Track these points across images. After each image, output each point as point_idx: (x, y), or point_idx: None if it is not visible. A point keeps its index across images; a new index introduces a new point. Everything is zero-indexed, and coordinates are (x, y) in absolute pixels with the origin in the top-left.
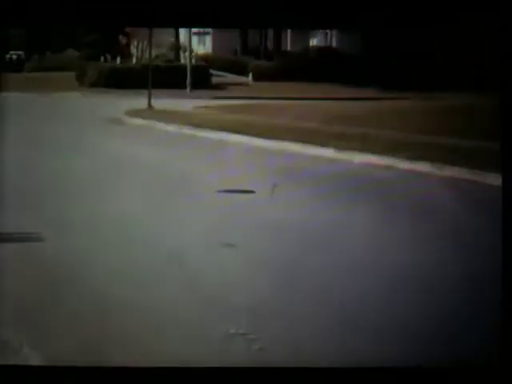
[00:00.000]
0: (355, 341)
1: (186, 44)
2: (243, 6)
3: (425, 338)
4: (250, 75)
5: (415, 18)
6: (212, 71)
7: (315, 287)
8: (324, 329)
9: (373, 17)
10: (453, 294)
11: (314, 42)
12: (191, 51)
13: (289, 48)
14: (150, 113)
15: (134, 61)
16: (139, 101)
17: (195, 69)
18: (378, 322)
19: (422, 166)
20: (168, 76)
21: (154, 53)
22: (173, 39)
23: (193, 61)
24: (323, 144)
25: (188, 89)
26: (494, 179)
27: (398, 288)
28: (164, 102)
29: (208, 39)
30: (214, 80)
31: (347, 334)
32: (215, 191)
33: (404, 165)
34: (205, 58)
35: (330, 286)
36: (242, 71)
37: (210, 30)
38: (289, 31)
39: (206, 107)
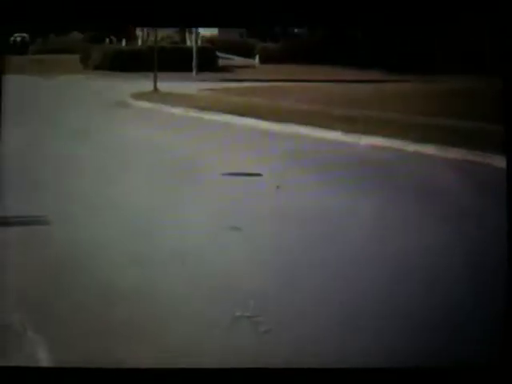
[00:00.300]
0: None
1: None
2: (244, 5)
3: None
4: (257, 57)
5: (415, 18)
6: (218, 53)
7: (320, 264)
8: (324, 303)
9: (373, 16)
10: (456, 281)
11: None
12: (197, 33)
13: (295, 30)
14: (155, 96)
15: (140, 43)
16: (145, 83)
17: (201, 51)
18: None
19: (427, 148)
20: (174, 58)
21: (159, 35)
22: None
23: (199, 43)
24: (330, 126)
25: (194, 71)
26: (498, 161)
27: (400, 276)
28: (170, 84)
29: None
30: (221, 62)
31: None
32: (221, 174)
33: (409, 147)
34: (211, 40)
35: (334, 266)
36: (249, 53)
37: None
38: None
39: (212, 90)
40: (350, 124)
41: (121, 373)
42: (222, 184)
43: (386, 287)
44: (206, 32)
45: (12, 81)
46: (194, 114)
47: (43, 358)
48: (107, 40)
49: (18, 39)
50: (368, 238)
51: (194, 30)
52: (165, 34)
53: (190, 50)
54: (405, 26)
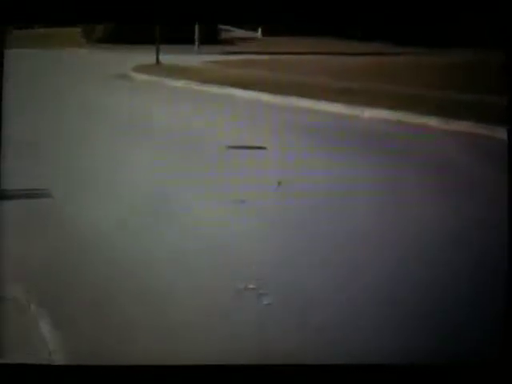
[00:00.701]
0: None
1: None
2: (243, 4)
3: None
4: (260, 30)
5: (416, 17)
6: (220, 26)
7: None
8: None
9: (373, 15)
10: (457, 257)
11: None
12: None
13: None
14: (158, 69)
15: None
16: (147, 56)
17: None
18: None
19: (430, 120)
20: (176, 31)
21: None
22: None
23: None
24: (333, 99)
25: (196, 44)
26: (500, 133)
27: (399, 251)
28: (172, 57)
29: None
30: (223, 35)
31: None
32: (225, 147)
33: (412, 119)
34: None
35: (336, 236)
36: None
37: None
38: None
39: (214, 62)
40: (352, 97)
41: (123, 371)
42: (225, 156)
43: (386, 267)
44: None
45: (14, 55)
46: (196, 86)
47: (46, 332)
48: None
49: None
50: (370, 210)
51: None
52: None
53: None
54: (405, 25)
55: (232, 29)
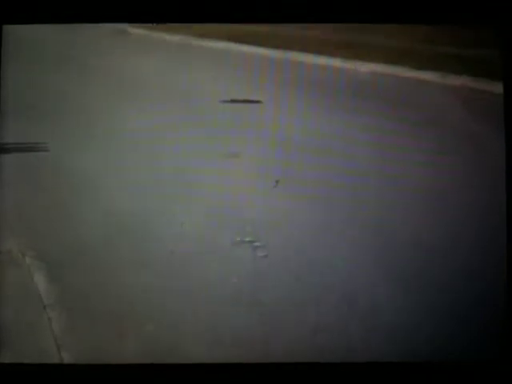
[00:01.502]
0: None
1: None
2: (243, 3)
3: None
4: None
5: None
6: None
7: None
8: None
9: (373, 15)
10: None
11: None
12: None
13: None
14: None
15: None
16: None
17: None
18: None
19: (426, 75)
20: None
21: None
22: None
23: None
24: (330, 53)
25: None
26: (497, 87)
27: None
28: None
29: None
30: None
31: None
32: (219, 101)
33: (409, 73)
34: None
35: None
36: None
37: None
38: None
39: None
40: (350, 50)
41: (123, 370)
42: (220, 110)
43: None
44: None
45: None
46: (193, 41)
47: (39, 281)
48: None
49: None
50: (365, 165)
51: None
52: None
53: None
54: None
55: None
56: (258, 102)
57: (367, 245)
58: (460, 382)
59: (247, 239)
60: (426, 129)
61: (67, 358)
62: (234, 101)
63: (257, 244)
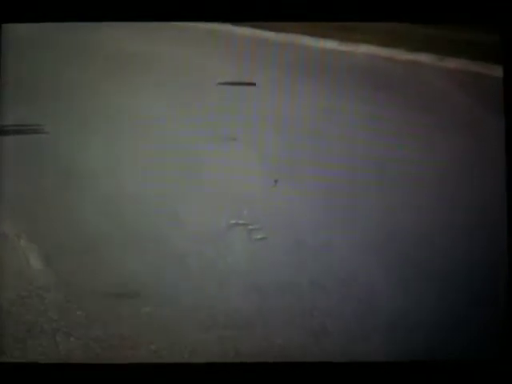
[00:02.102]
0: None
1: None
2: (243, 2)
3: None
4: None
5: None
6: None
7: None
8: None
9: (374, 14)
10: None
11: None
12: None
13: None
14: None
15: None
16: None
17: None
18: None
19: (424, 57)
20: None
21: None
22: None
23: None
24: (328, 36)
25: None
26: (496, 71)
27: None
28: None
29: None
30: None
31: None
32: (216, 83)
33: (406, 56)
34: None
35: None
36: None
37: None
38: None
39: None
40: (347, 33)
41: (122, 369)
42: (216, 93)
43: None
44: None
45: None
46: (188, 23)
47: (35, 264)
48: None
49: None
50: (362, 147)
51: None
52: None
53: None
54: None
55: None
56: (252, 84)
57: (367, 235)
58: (460, 382)
59: (241, 222)
60: (423, 110)
61: (63, 342)
62: (228, 83)
63: (251, 227)
